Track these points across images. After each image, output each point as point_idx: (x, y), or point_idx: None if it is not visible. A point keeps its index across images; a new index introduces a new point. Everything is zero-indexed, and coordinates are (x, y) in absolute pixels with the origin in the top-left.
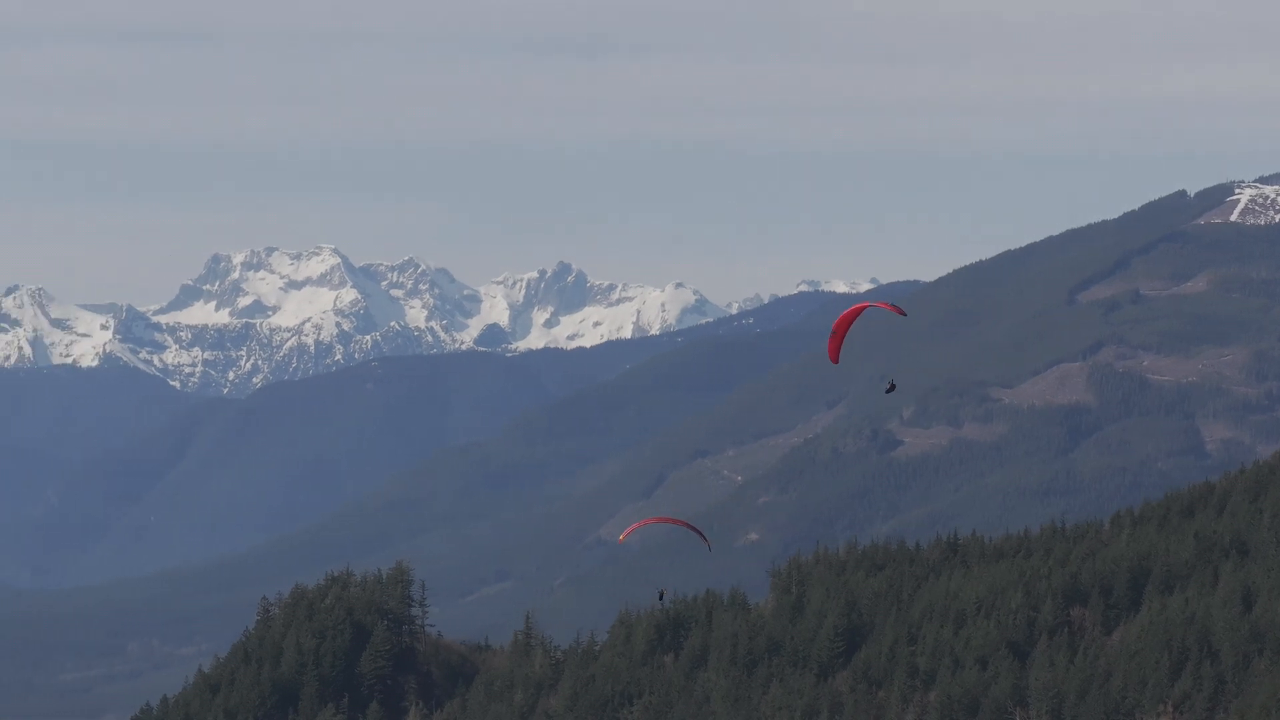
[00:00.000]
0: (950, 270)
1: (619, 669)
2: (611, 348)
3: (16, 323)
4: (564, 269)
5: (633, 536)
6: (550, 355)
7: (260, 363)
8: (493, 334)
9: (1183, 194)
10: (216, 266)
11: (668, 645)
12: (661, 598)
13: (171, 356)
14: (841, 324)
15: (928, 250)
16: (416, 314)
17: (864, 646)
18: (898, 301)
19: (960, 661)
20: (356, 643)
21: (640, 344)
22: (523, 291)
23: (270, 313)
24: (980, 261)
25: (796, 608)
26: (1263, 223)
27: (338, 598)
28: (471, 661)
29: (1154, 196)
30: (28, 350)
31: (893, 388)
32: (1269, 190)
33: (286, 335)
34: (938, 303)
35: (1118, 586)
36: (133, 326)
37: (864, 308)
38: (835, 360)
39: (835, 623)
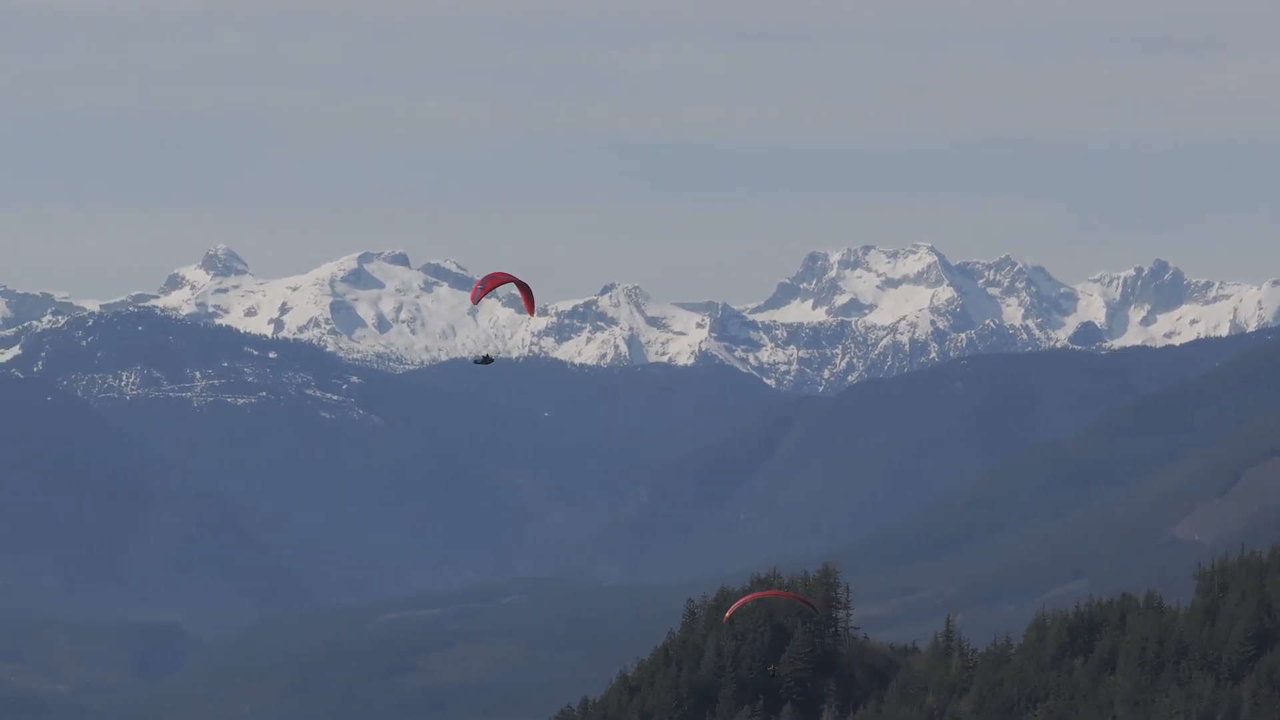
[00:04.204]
0: None
1: (1028, 672)
2: (1201, 345)
3: (613, 321)
4: (1160, 267)
5: (1206, 535)
6: (1139, 353)
7: (855, 361)
8: (1088, 332)
9: None
10: (814, 265)
11: (1079, 648)
12: (773, 675)
13: (767, 355)
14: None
15: None
16: (1012, 312)
17: (1272, 650)
18: None
19: None
20: (776, 645)
21: (1232, 341)
22: (1119, 289)
23: (866, 311)
24: None
25: (1210, 611)
26: None
27: (759, 600)
28: (896, 664)
29: None
30: (624, 349)
31: (486, 360)
32: None
33: (881, 333)
34: None
35: None
36: (728, 325)
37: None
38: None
39: (1245, 626)
